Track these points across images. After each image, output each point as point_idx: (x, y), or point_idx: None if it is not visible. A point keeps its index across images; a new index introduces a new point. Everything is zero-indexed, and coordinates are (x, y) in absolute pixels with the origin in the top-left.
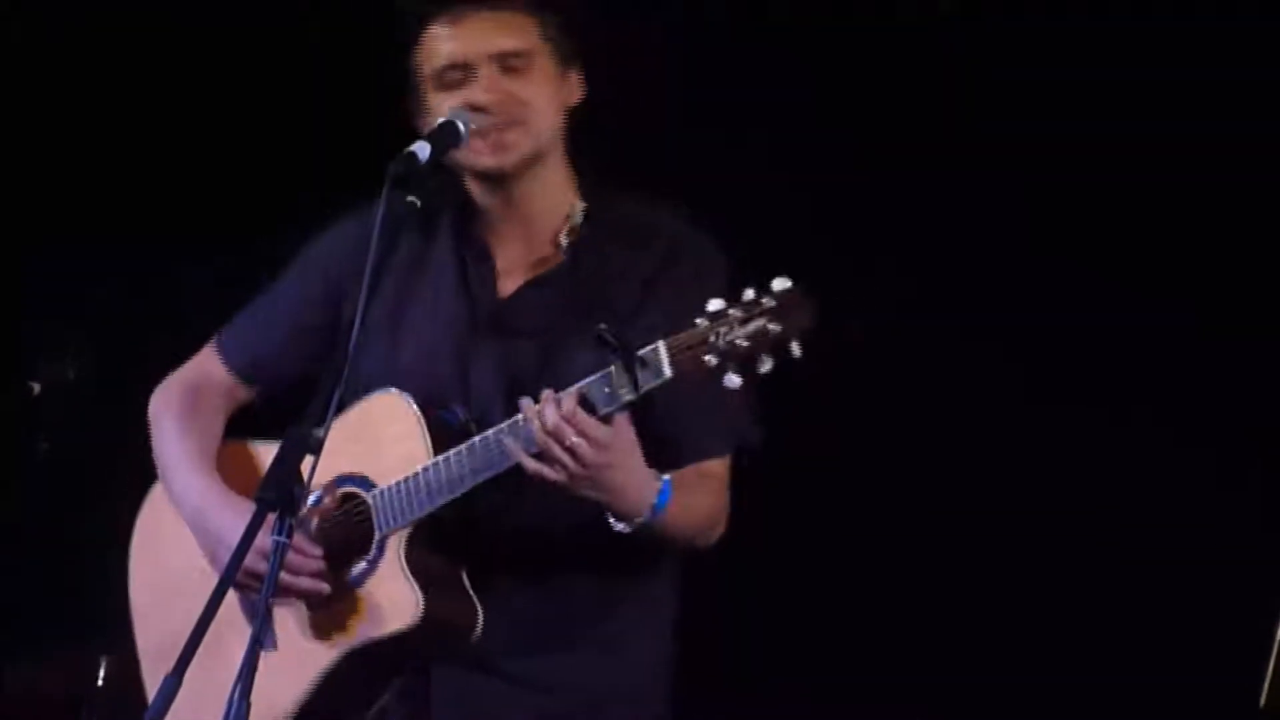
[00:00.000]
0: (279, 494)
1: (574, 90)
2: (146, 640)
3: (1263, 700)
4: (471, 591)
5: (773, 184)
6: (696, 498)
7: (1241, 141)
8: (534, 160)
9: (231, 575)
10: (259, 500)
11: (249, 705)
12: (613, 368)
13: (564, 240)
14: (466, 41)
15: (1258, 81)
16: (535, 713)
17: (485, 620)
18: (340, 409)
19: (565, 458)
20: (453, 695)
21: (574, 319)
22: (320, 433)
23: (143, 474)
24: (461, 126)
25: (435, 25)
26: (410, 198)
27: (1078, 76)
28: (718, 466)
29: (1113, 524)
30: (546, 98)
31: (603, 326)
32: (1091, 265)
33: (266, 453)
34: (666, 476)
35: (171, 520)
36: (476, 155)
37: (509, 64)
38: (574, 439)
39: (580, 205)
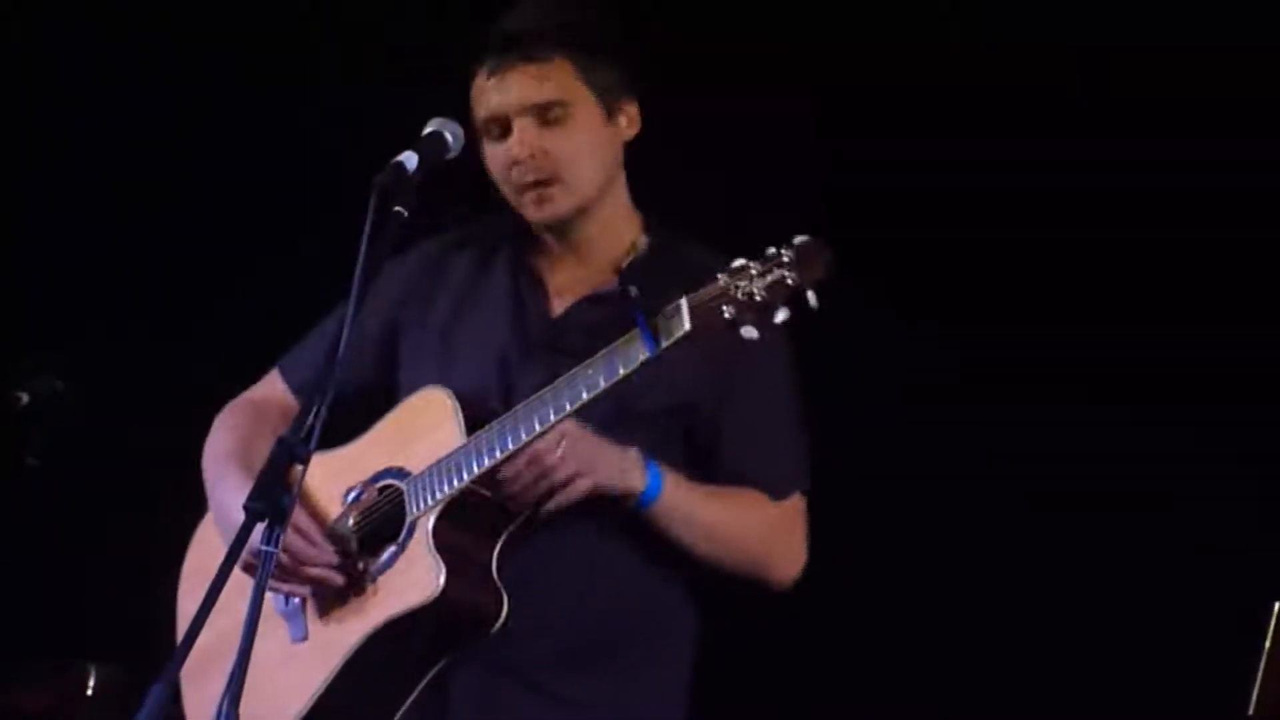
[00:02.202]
0: (267, 504)
1: (629, 125)
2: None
3: (1251, 709)
4: (499, 581)
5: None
6: (737, 512)
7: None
8: (581, 211)
9: (222, 582)
10: (247, 509)
11: (237, 716)
12: (638, 327)
13: (623, 267)
14: (503, 95)
15: None
16: None
17: (520, 630)
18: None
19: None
20: (474, 704)
21: (621, 334)
22: (312, 444)
23: (134, 487)
24: (449, 137)
25: (479, 78)
26: (397, 208)
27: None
28: (774, 503)
29: (1102, 532)
30: (589, 148)
31: (631, 287)
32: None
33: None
34: (655, 464)
35: (219, 545)
36: (522, 207)
37: (546, 116)
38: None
39: (644, 240)
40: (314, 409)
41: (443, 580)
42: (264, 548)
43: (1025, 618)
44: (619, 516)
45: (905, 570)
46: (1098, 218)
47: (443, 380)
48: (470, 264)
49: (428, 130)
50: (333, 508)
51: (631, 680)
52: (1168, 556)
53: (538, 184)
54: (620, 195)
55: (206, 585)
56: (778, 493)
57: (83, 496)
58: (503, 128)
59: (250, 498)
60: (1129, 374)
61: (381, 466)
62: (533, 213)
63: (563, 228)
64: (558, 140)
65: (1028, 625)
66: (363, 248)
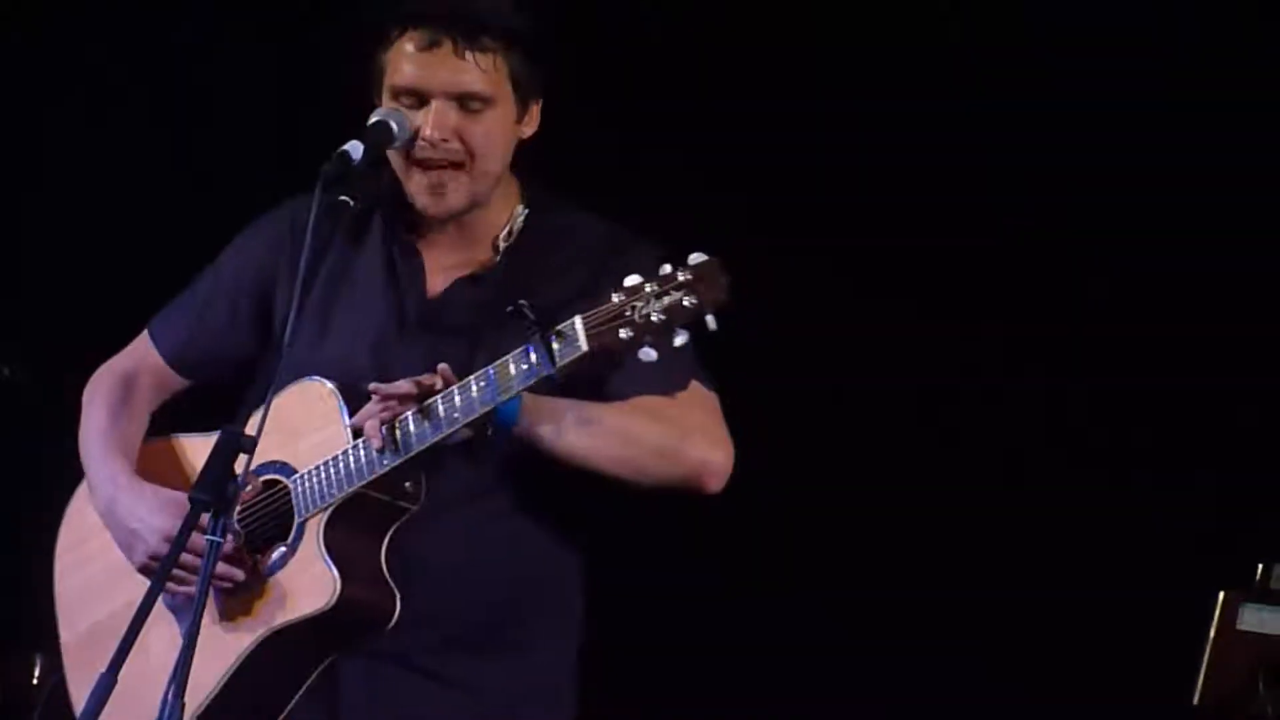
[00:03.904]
0: (214, 494)
1: (530, 124)
2: (72, 635)
3: (1196, 698)
4: (390, 579)
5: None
6: (634, 410)
7: None
8: (472, 205)
9: (165, 573)
10: (193, 500)
11: (183, 705)
12: (531, 344)
13: (502, 243)
14: (430, 72)
15: None
16: (452, 710)
17: (406, 617)
18: (257, 404)
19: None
20: (363, 690)
21: (503, 317)
22: (255, 433)
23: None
24: (395, 126)
25: (407, 42)
26: (343, 197)
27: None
28: (672, 398)
29: (1050, 525)
30: (497, 144)
31: (522, 302)
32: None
33: (191, 447)
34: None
35: (96, 518)
36: (414, 191)
37: (467, 105)
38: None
39: (522, 210)
40: (264, 395)
41: (339, 589)
42: (210, 538)
43: (971, 607)
44: (504, 459)
45: (848, 553)
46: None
47: (317, 361)
48: (340, 236)
49: (373, 120)
50: None
51: (522, 661)
52: (1115, 548)
53: (440, 167)
54: (504, 178)
55: (82, 563)
56: (671, 389)
57: (31, 482)
58: (418, 101)
59: (197, 488)
60: (1087, 361)
61: (265, 458)
62: (426, 205)
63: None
64: (473, 130)
65: (974, 615)
66: (308, 236)
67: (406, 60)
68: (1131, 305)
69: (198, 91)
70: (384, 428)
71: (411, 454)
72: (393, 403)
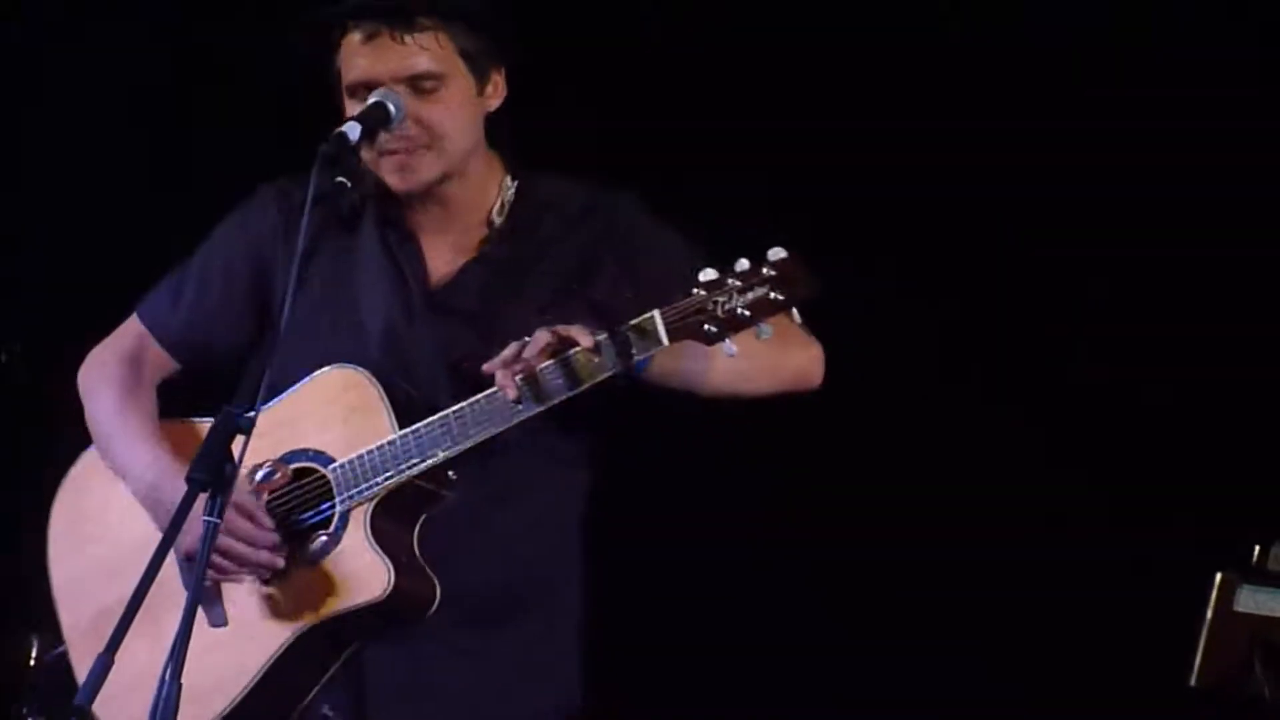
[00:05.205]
0: (210, 474)
1: (495, 95)
2: (76, 619)
3: (1193, 679)
4: (425, 565)
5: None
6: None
7: None
8: (446, 177)
9: (162, 556)
10: (190, 480)
11: (180, 686)
12: (606, 338)
13: (496, 219)
14: (377, 62)
15: None
16: (472, 681)
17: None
18: (275, 391)
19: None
20: (388, 663)
21: (512, 293)
22: (252, 413)
23: (72, 456)
24: (392, 108)
25: (351, 38)
26: (340, 178)
27: None
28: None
29: (1045, 505)
30: (459, 118)
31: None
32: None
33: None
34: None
35: (99, 498)
36: (385, 173)
37: (420, 86)
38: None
39: (511, 183)
40: (261, 375)
41: (392, 578)
42: (207, 518)
43: (971, 607)
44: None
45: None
46: None
47: (329, 352)
48: (336, 229)
49: (370, 100)
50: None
51: (533, 633)
52: (1111, 529)
53: (405, 151)
54: (482, 153)
55: (80, 546)
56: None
57: (27, 462)
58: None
59: (193, 469)
60: (1086, 357)
61: (295, 446)
62: (396, 183)
63: (427, 194)
64: (431, 110)
65: (974, 615)
66: (305, 216)
67: (352, 56)
68: (1130, 303)
69: (196, 90)
70: (520, 378)
71: (471, 443)
72: (529, 357)
